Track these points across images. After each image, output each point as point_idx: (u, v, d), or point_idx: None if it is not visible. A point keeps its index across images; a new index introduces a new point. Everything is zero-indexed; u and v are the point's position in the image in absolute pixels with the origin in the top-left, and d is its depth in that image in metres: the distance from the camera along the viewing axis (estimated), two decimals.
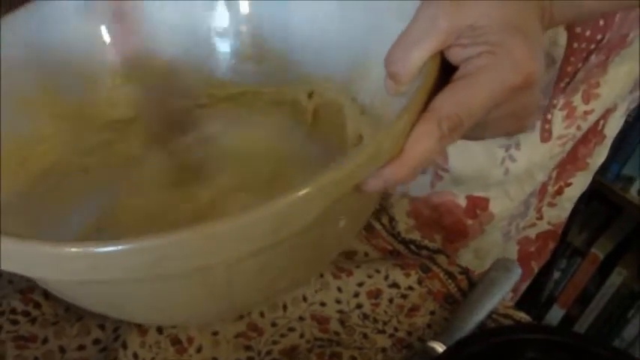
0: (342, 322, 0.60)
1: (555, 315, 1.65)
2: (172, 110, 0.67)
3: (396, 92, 0.46)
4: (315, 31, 0.63)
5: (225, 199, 0.60)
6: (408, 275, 0.63)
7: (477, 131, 0.47)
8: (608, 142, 0.85)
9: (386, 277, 0.63)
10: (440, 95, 0.43)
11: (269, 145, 0.64)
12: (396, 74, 0.46)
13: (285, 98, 0.65)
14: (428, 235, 0.79)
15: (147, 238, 0.38)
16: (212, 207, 0.60)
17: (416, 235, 0.68)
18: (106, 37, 0.65)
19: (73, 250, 0.38)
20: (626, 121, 1.36)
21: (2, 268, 0.41)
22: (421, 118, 0.42)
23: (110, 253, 0.38)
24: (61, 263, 0.39)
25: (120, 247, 0.38)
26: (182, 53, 0.66)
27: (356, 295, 0.62)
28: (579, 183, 0.87)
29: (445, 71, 0.45)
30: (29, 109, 0.60)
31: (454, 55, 0.45)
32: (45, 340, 0.56)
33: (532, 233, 0.90)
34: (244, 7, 0.66)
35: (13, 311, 0.58)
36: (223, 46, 0.67)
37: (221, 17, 0.66)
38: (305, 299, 0.61)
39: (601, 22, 0.64)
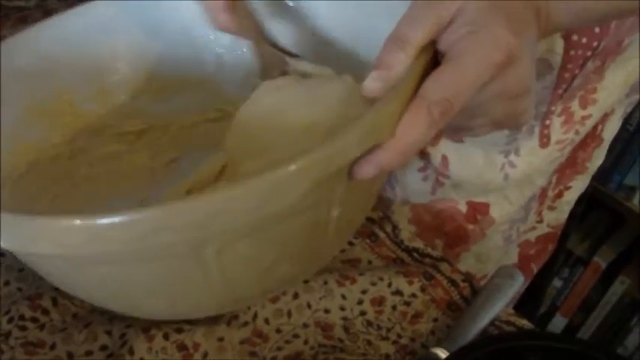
0: (345, 329, 0.60)
1: (558, 324, 1.65)
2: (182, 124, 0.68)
3: (382, 86, 0.46)
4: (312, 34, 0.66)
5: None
6: (411, 283, 0.64)
7: (468, 119, 0.48)
8: (606, 145, 0.86)
9: (389, 285, 0.63)
10: (427, 81, 0.44)
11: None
12: (391, 61, 0.46)
13: None
14: (429, 240, 0.79)
15: (139, 210, 0.39)
16: None
17: (419, 243, 0.68)
18: (122, 51, 0.67)
19: (74, 222, 0.40)
20: (628, 131, 1.38)
21: (3, 245, 0.42)
22: (411, 104, 0.43)
23: (106, 225, 0.39)
24: (61, 236, 0.40)
25: (116, 219, 0.39)
26: (192, 69, 0.68)
27: (360, 302, 0.62)
28: (578, 186, 0.88)
29: (436, 62, 0.46)
30: (42, 118, 0.61)
31: (443, 42, 0.46)
32: (53, 346, 0.57)
33: (532, 236, 0.90)
34: None
35: (22, 317, 0.58)
36: (230, 60, 0.69)
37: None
38: (309, 306, 0.62)
39: (597, 30, 0.65)
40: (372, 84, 0.45)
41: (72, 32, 0.63)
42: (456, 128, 0.51)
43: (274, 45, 0.65)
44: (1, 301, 0.59)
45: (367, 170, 0.44)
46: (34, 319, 0.58)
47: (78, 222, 0.39)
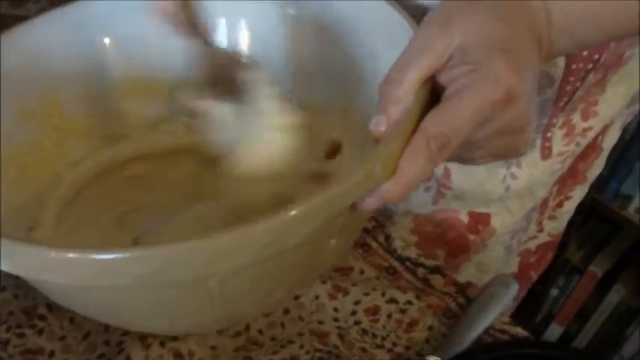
0: (341, 337, 0.61)
1: (554, 332, 1.65)
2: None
3: (386, 129, 0.47)
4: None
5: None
6: (405, 292, 0.64)
7: (467, 151, 0.49)
8: (605, 154, 0.86)
9: (383, 294, 0.64)
10: (427, 116, 0.45)
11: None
12: (390, 94, 0.47)
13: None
14: (431, 250, 0.80)
15: (153, 247, 0.40)
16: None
17: (412, 253, 0.68)
18: (110, 52, 0.66)
19: (88, 256, 0.40)
20: (624, 139, 1.39)
21: (7, 270, 0.42)
22: (412, 139, 0.44)
23: (113, 261, 0.40)
24: (72, 269, 0.41)
25: (123, 255, 0.40)
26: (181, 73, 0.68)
27: (353, 313, 0.63)
28: (578, 195, 0.88)
29: (435, 94, 0.47)
30: (29, 119, 0.61)
31: (443, 76, 0.47)
32: (52, 354, 0.57)
33: (532, 245, 0.90)
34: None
35: (19, 326, 0.59)
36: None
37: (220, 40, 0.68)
38: (302, 319, 0.62)
39: None
40: (375, 126, 0.47)
41: (59, 31, 0.63)
42: (457, 158, 0.52)
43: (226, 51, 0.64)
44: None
45: (371, 204, 0.45)
46: (32, 325, 0.59)
47: (93, 257, 0.40)
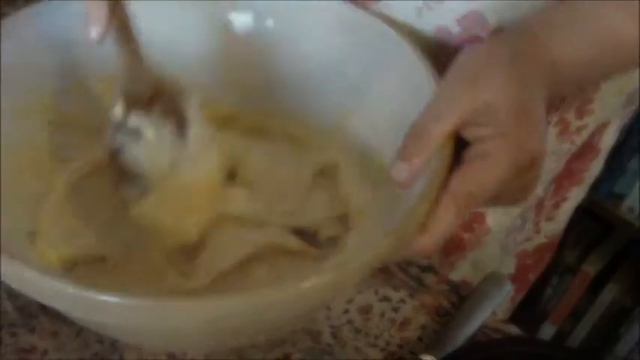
0: (334, 335, 0.61)
1: (547, 331, 1.65)
2: None
3: (407, 177, 0.49)
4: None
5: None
6: (398, 290, 0.64)
7: (487, 203, 0.52)
8: (603, 156, 0.86)
9: (376, 292, 0.64)
10: (456, 176, 0.48)
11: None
12: (415, 145, 0.49)
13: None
14: None
15: (138, 298, 0.41)
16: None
17: None
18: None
19: (140, 302, 0.41)
20: (617, 139, 1.39)
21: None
22: (442, 199, 0.47)
23: (106, 303, 0.41)
24: (116, 312, 0.41)
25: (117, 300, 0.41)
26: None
27: (346, 311, 0.63)
28: (575, 197, 0.89)
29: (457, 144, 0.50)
30: (24, 114, 0.60)
31: (468, 133, 0.50)
32: (45, 352, 0.57)
33: (529, 247, 0.90)
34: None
35: (12, 325, 0.58)
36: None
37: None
38: None
39: None
40: (398, 175, 0.49)
41: (48, 23, 0.61)
42: None
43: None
44: None
45: (401, 259, 0.50)
46: (24, 324, 0.59)
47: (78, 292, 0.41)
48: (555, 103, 0.53)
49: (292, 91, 0.67)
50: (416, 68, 0.58)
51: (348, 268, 0.44)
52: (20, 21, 0.60)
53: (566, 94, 0.54)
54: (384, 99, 0.62)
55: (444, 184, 0.48)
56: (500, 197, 0.51)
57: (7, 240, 0.49)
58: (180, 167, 0.56)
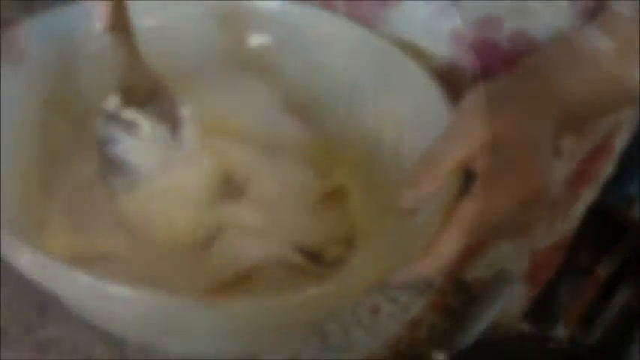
0: (342, 335, 0.60)
1: (560, 333, 1.64)
2: None
3: (415, 204, 0.51)
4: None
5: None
6: (406, 290, 0.63)
7: (491, 235, 0.54)
8: (615, 156, 0.86)
9: (384, 293, 0.63)
10: (462, 205, 0.50)
11: None
12: (425, 174, 0.51)
13: None
14: None
15: (142, 289, 0.42)
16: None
17: None
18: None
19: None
20: (630, 141, 1.38)
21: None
22: (447, 228, 0.49)
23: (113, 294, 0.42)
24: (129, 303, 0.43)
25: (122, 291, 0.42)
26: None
27: (354, 311, 0.62)
28: (587, 196, 0.89)
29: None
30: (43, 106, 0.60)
31: (476, 165, 0.51)
32: None
33: (542, 245, 0.91)
34: None
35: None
36: None
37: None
38: None
39: None
40: (406, 201, 0.51)
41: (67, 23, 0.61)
42: None
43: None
44: None
45: (402, 280, 0.51)
46: None
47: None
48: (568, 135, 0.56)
49: (303, 112, 0.68)
50: (427, 92, 0.59)
51: (349, 282, 0.46)
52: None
53: (578, 128, 0.56)
54: (395, 122, 0.63)
55: (450, 212, 0.49)
56: (504, 230, 0.53)
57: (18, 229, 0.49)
58: (172, 168, 0.56)
